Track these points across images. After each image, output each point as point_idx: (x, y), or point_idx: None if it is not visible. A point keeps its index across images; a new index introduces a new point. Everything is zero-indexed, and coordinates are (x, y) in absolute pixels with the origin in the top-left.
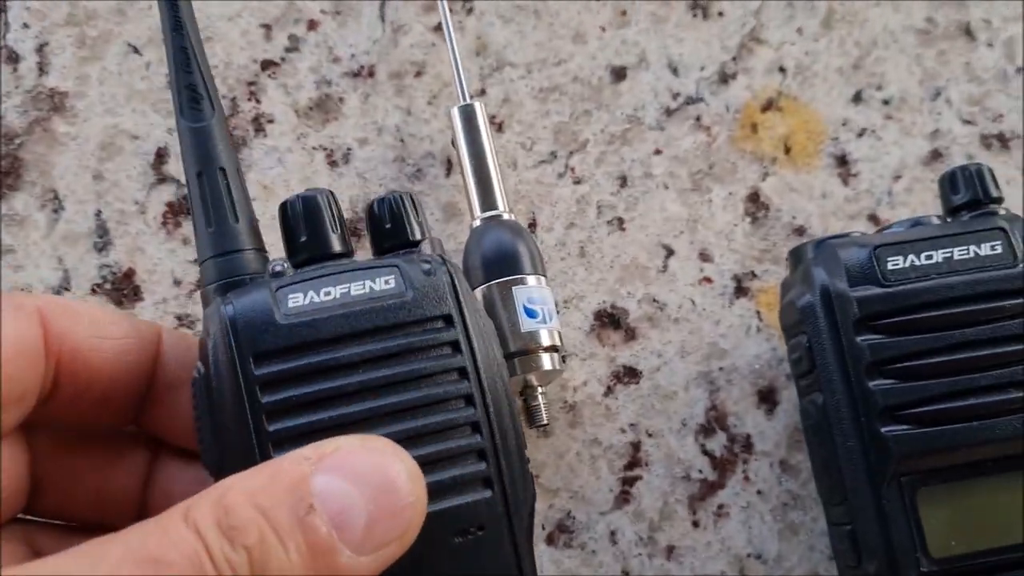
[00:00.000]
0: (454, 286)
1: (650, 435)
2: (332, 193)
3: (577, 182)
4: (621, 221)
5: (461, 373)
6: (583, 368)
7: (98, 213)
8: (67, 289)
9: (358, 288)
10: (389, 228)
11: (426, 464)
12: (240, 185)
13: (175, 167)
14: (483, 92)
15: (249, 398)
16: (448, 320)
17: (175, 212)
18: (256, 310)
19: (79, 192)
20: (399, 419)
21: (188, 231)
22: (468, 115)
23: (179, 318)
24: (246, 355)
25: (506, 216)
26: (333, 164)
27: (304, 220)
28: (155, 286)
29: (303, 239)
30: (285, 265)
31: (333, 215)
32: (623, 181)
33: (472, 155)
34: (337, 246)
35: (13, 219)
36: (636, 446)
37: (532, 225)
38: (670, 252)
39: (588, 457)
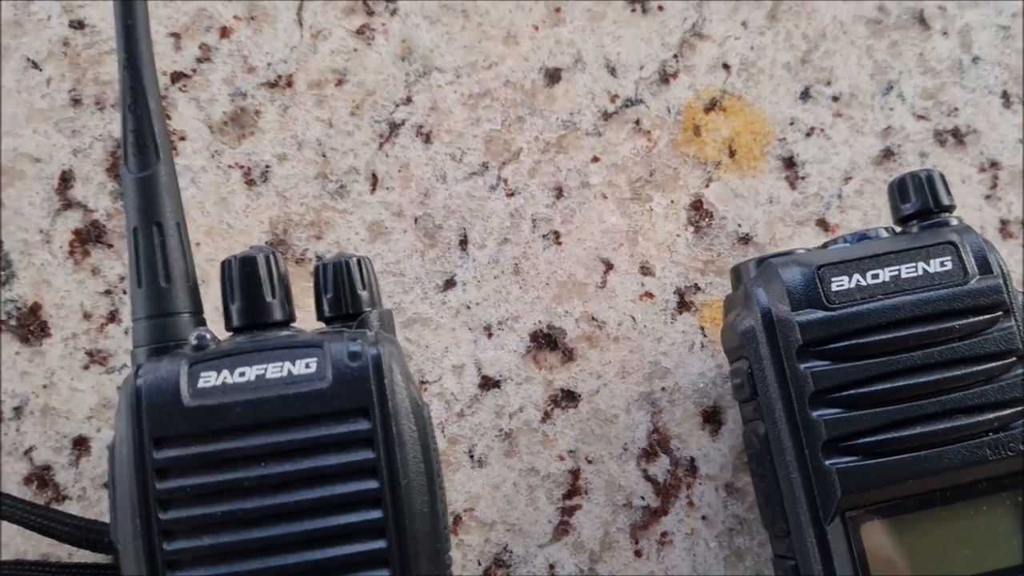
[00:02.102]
0: (379, 373)
1: (590, 462)
2: (275, 254)
3: (510, 195)
4: (557, 235)
5: (370, 472)
6: (519, 393)
7: None
8: None
9: (275, 370)
10: (331, 297)
11: (327, 569)
12: (179, 243)
13: (82, 191)
14: (409, 100)
15: (144, 482)
16: (364, 413)
17: (83, 240)
18: (163, 388)
19: None
20: (298, 519)
21: (97, 260)
22: None
23: (89, 354)
24: (146, 436)
25: None
26: (251, 183)
27: (240, 284)
28: (64, 320)
29: (237, 304)
30: (209, 336)
31: (273, 278)
32: (559, 192)
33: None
34: (275, 313)
35: None
36: (575, 474)
37: (463, 242)
38: (609, 266)
39: (525, 487)
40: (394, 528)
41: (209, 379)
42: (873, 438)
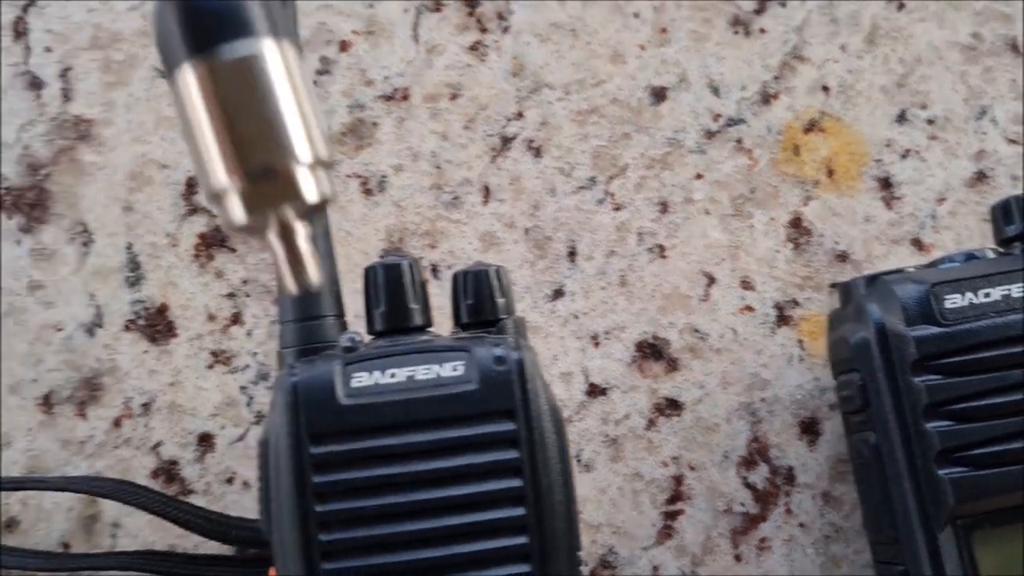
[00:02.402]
0: (523, 377)
1: (692, 468)
2: (416, 262)
3: (617, 208)
4: (662, 248)
5: (515, 471)
6: (624, 401)
7: (129, 246)
8: (100, 326)
9: (424, 372)
10: (471, 304)
11: (471, 563)
12: (327, 250)
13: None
14: (520, 115)
15: (301, 476)
16: (509, 415)
17: (207, 244)
18: (319, 386)
19: (109, 225)
20: (446, 514)
21: (221, 263)
22: None
23: (213, 354)
24: (303, 432)
25: None
26: (368, 192)
27: (384, 290)
28: (189, 322)
29: (382, 309)
30: (357, 339)
31: (415, 286)
32: (664, 207)
33: None
34: (416, 319)
35: (42, 253)
36: (678, 479)
37: (572, 254)
38: (711, 280)
39: (630, 492)
40: (536, 525)
41: (361, 379)
42: (984, 450)
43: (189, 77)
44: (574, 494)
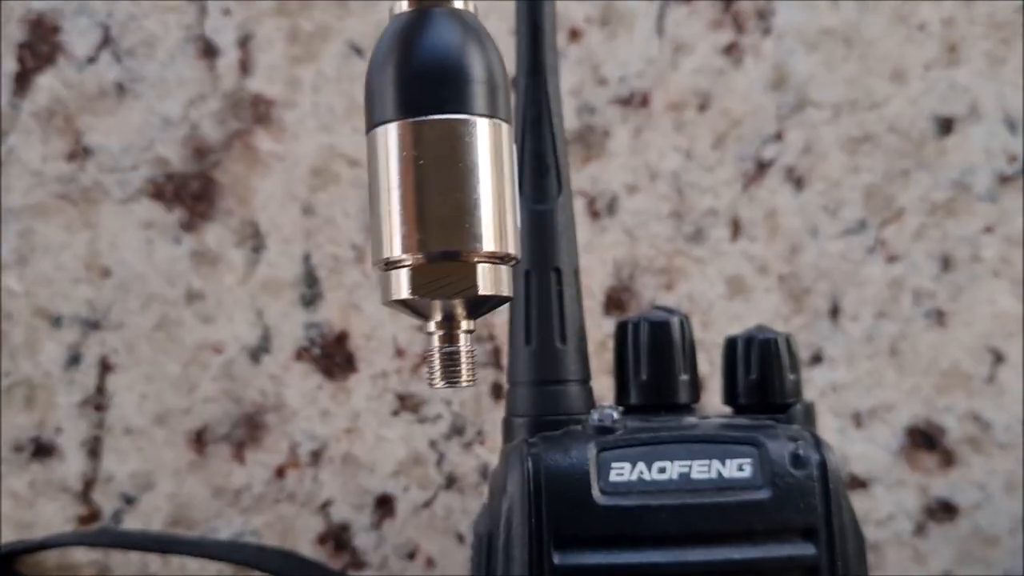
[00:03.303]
0: (826, 485)
1: None
2: (687, 320)
3: (890, 260)
4: (941, 314)
5: None
6: (889, 498)
7: (307, 257)
8: (266, 351)
9: (701, 470)
10: (755, 380)
11: None
12: (575, 294)
13: None
14: (780, 136)
15: None
16: (809, 534)
17: None
18: (570, 477)
19: (285, 228)
20: None
21: None
22: None
23: (400, 397)
24: (547, 534)
25: (459, 3)
26: (595, 215)
27: (649, 354)
28: (373, 355)
29: (643, 378)
30: (615, 416)
31: (686, 351)
32: (945, 263)
33: None
34: (683, 395)
35: (204, 257)
36: None
37: (834, 311)
38: (999, 358)
39: None
40: None
41: (623, 472)
42: None
43: (391, 135)
44: None
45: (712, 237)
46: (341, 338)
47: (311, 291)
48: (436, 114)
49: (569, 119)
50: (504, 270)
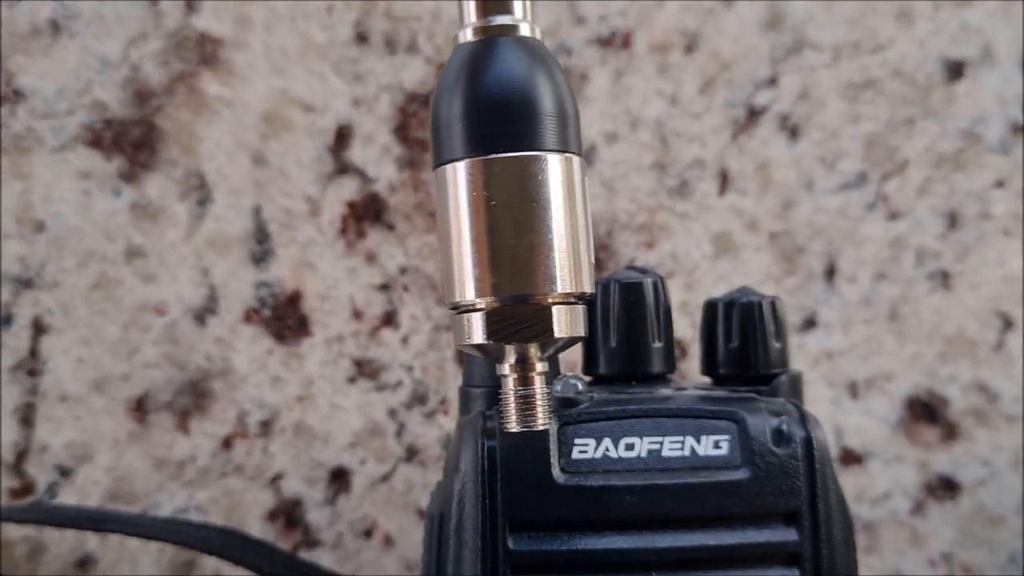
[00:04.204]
0: (811, 465)
1: (967, 571)
2: (663, 282)
3: (892, 217)
4: (946, 276)
5: None
6: (886, 474)
7: (257, 211)
8: (212, 312)
9: (674, 447)
10: (735, 348)
11: None
12: None
13: (361, 153)
14: (774, 81)
15: (491, 573)
16: (791, 519)
17: (358, 216)
18: (528, 454)
19: (233, 180)
20: None
21: (374, 244)
22: None
23: (357, 363)
24: (501, 517)
25: (525, 30)
26: None
27: (619, 319)
28: (328, 317)
29: (613, 346)
30: (580, 387)
31: (660, 316)
32: (952, 220)
33: None
34: (656, 364)
35: (145, 210)
36: None
37: (830, 272)
38: (1008, 323)
39: None
40: None
41: (586, 449)
42: None
43: (460, 174)
44: None
45: (698, 191)
46: (294, 299)
47: (261, 248)
48: (507, 152)
49: None
50: (579, 310)
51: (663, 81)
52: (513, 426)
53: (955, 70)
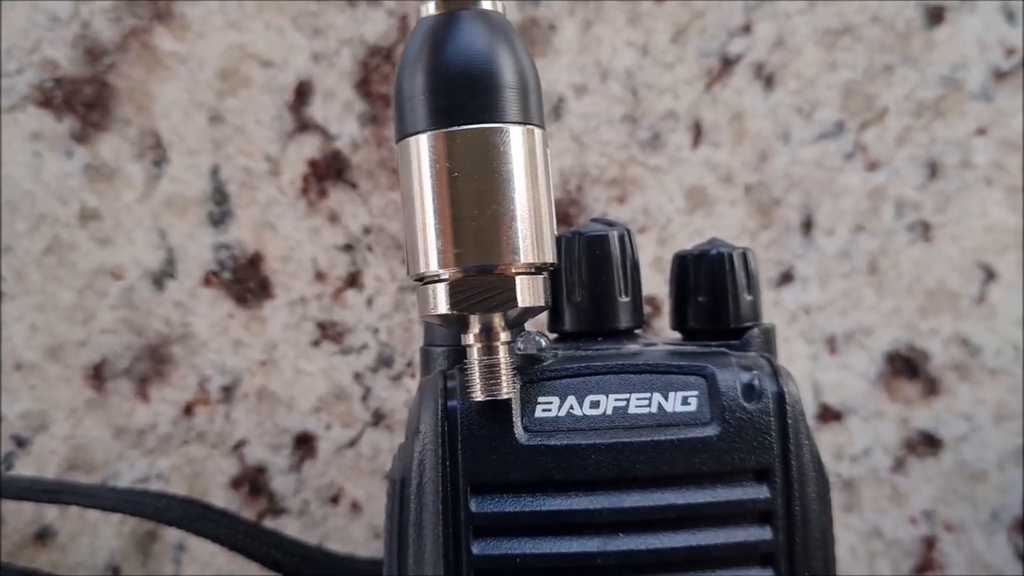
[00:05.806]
0: (783, 420)
1: (949, 528)
2: (630, 234)
3: (870, 168)
4: (927, 227)
5: (766, 558)
6: (865, 431)
7: (215, 170)
8: (171, 276)
9: (640, 403)
10: (705, 302)
11: None
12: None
13: (322, 110)
14: (748, 29)
15: (454, 540)
16: (763, 475)
17: (320, 175)
18: (489, 414)
19: (190, 139)
20: None
21: (337, 203)
22: None
23: (321, 326)
24: (462, 479)
25: (487, 3)
26: None
27: (584, 273)
28: (290, 279)
29: (578, 300)
30: (543, 344)
31: (627, 269)
32: (932, 170)
33: None
34: (625, 318)
35: (99, 171)
36: (930, 543)
37: (807, 225)
38: (991, 275)
39: (865, 554)
40: None
41: (550, 407)
42: None
43: (423, 146)
44: None
45: (671, 143)
46: (254, 260)
47: (220, 209)
48: (469, 124)
49: (510, 11)
50: (541, 279)
51: (633, 31)
52: (478, 395)
53: (935, 15)
